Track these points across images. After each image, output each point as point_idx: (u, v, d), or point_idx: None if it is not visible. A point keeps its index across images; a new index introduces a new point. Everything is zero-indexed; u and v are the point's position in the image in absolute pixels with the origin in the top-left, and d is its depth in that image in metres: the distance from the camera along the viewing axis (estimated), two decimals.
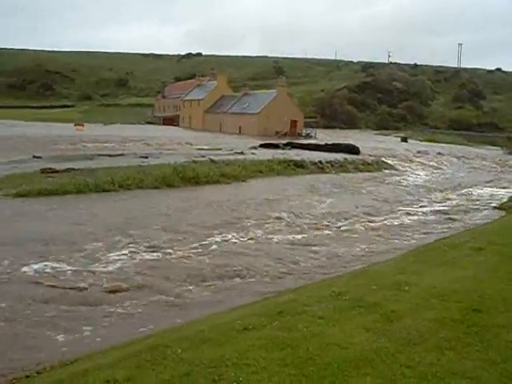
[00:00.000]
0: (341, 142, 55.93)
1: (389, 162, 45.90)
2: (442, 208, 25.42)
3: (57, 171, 28.32)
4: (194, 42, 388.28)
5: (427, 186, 34.71)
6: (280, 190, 27.90)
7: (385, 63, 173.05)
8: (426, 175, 42.26)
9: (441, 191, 32.30)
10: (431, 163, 51.00)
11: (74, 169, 29.04)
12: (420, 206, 25.68)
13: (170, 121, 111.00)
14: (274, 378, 5.76)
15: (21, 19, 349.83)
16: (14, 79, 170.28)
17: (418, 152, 58.33)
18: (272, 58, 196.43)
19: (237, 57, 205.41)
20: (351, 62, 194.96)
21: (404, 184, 34.76)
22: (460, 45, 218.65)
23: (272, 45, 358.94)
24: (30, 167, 30.71)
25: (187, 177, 27.63)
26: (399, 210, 24.08)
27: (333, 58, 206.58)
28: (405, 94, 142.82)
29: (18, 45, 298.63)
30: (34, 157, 36.07)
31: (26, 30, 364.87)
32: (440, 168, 48.90)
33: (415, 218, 22.38)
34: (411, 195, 29.59)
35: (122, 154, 39.12)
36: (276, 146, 50.59)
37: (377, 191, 30.22)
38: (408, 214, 23.26)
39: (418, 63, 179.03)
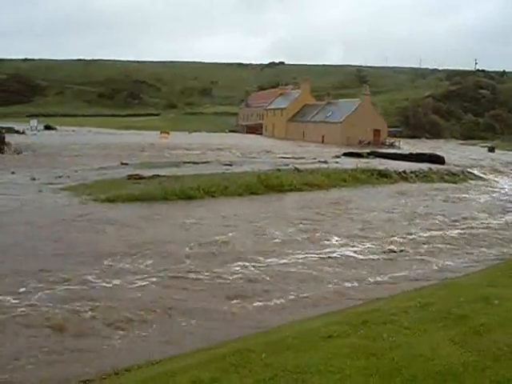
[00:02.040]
0: (425, 151, 54.83)
1: (475, 172, 44.56)
2: None
3: (143, 177, 29.03)
4: (277, 52, 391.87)
5: None
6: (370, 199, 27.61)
7: (471, 71, 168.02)
8: None
9: None
10: None
11: (160, 175, 29.67)
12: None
13: (254, 129, 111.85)
14: None
15: (110, 32, 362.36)
16: (103, 89, 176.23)
17: (507, 162, 56.32)
18: (355, 66, 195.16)
19: (320, 66, 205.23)
20: (436, 69, 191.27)
21: (492, 195, 33.62)
22: None
23: (355, 53, 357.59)
24: (117, 173, 31.66)
25: (271, 185, 27.71)
26: (488, 219, 23.31)
27: (417, 65, 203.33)
28: (492, 102, 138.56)
29: (108, 56, 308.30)
30: (122, 163, 37.17)
31: (115, 41, 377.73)
32: None
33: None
34: (500, 207, 28.57)
35: (206, 162, 39.70)
36: (359, 155, 50.08)
37: (464, 201, 29.38)
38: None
39: (507, 70, 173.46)
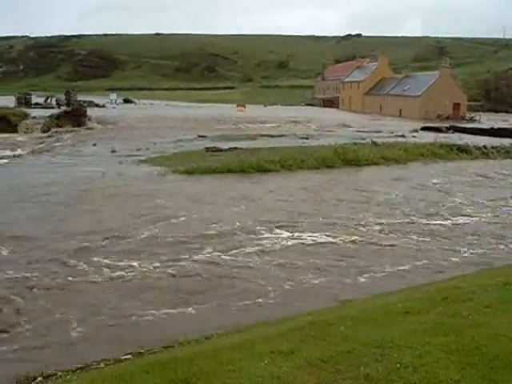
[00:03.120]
0: (507, 126, 53.05)
1: None
2: None
3: (221, 150, 29.39)
4: (354, 24, 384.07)
5: None
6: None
7: None
8: None
9: None
10: None
11: (237, 148, 29.95)
12: None
13: (330, 102, 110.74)
14: (438, 363, 5.65)
15: (186, 6, 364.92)
16: (179, 62, 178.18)
17: None
18: (434, 38, 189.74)
19: (397, 38, 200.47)
20: None
21: None
22: None
23: (434, 24, 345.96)
24: (195, 146, 32.19)
25: (348, 158, 27.48)
26: None
27: (501, 36, 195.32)
28: None
29: (183, 30, 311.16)
30: (199, 136, 37.69)
31: (191, 15, 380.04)
32: None
33: None
34: None
35: (282, 135, 39.76)
36: (438, 130, 48.94)
37: None
38: None
39: None
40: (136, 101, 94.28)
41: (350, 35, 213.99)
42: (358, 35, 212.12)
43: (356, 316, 7.40)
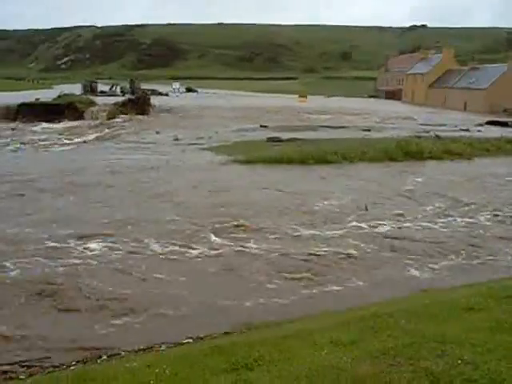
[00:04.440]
0: None
1: None
2: None
3: (282, 140, 29.42)
4: (419, 15, 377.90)
5: None
6: None
7: None
8: None
9: None
10: None
11: (297, 138, 29.91)
12: None
13: (392, 94, 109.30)
14: (501, 362, 5.52)
15: None
16: (242, 52, 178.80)
17: None
18: (504, 28, 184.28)
19: (464, 28, 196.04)
20: None
21: None
22: None
23: (505, 15, 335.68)
24: (256, 135, 32.30)
25: (410, 151, 27.07)
26: None
27: None
28: None
29: (246, 20, 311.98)
30: (261, 126, 37.84)
31: (254, 5, 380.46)
32: None
33: None
34: None
35: (344, 127, 39.52)
36: (504, 124, 47.77)
37: None
38: None
39: None
40: (198, 90, 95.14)
41: (415, 26, 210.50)
42: (424, 26, 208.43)
43: (418, 310, 7.33)
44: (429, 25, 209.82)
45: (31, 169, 21.65)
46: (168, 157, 24.56)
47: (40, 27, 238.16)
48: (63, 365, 7.04)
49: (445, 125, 45.44)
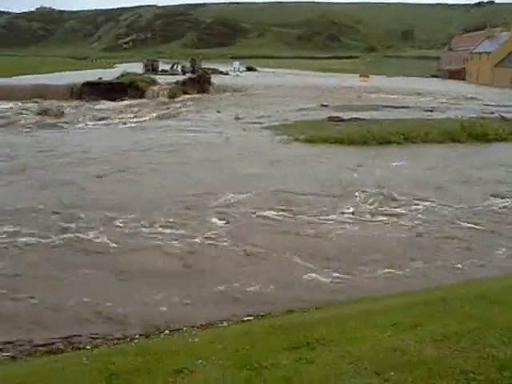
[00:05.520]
0: None
1: None
2: None
3: (343, 120, 29.17)
4: None
5: None
6: None
7: None
8: None
9: None
10: None
11: (359, 118, 29.62)
12: None
13: (456, 74, 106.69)
14: None
15: None
16: (302, 31, 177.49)
17: None
18: None
19: None
20: None
21: None
22: None
23: None
24: (317, 115, 32.17)
25: (474, 133, 26.32)
26: None
27: None
28: None
29: None
30: (322, 105, 37.64)
31: None
32: None
33: None
34: None
35: (406, 107, 38.93)
36: None
37: None
38: None
39: None
40: (258, 69, 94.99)
41: (481, 3, 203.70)
42: (491, 2, 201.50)
43: (483, 295, 7.13)
44: (496, 1, 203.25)
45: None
46: (229, 135, 24.82)
47: (103, 7, 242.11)
48: (126, 337, 7.20)
49: (511, 105, 44.15)
